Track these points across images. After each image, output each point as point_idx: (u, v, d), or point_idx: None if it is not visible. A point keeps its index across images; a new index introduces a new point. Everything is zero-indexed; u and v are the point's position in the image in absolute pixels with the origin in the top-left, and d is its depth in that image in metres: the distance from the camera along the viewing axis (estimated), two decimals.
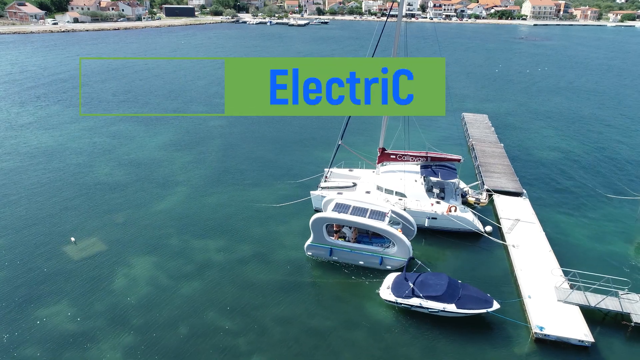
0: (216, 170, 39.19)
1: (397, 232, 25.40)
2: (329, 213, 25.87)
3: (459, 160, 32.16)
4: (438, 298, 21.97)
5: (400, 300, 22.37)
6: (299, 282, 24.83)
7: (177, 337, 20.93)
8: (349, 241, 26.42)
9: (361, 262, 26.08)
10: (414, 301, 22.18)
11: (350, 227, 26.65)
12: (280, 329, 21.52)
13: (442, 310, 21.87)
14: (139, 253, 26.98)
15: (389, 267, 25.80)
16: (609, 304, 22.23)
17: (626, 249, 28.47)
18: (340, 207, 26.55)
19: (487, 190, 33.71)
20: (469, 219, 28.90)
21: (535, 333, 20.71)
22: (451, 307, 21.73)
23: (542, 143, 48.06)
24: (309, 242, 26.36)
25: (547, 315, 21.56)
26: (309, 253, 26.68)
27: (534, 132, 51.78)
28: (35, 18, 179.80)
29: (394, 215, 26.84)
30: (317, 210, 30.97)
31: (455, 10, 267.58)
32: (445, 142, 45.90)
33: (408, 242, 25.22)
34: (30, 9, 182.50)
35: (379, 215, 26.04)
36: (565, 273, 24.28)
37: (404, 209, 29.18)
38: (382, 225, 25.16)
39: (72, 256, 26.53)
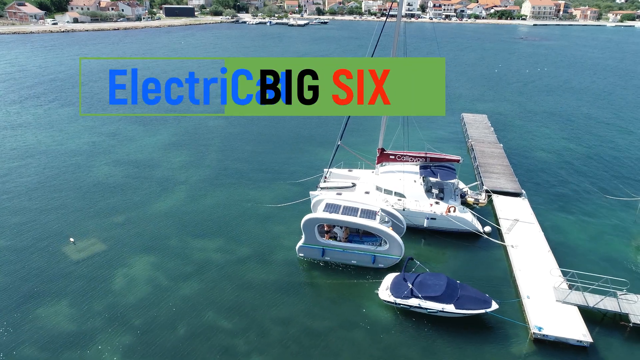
0: (215, 171, 39.21)
1: (389, 230, 25.61)
2: (321, 213, 25.85)
3: (458, 161, 32.20)
4: (437, 298, 21.99)
5: (399, 300, 22.39)
6: (297, 282, 24.86)
7: (176, 336, 20.95)
8: (340, 241, 26.40)
9: (354, 262, 26.12)
10: (413, 302, 22.20)
11: (341, 227, 26.65)
12: (279, 329, 21.54)
13: (440, 311, 21.90)
14: (138, 253, 27.00)
15: (381, 266, 25.91)
16: (608, 304, 22.26)
17: (625, 250, 28.51)
18: (331, 207, 26.52)
19: (486, 191, 33.74)
20: (468, 219, 28.92)
21: (534, 333, 20.74)
22: (450, 308, 21.76)
23: (542, 143, 48.09)
24: (300, 243, 26.24)
25: (546, 315, 21.59)
26: (300, 254, 26.54)
27: (534, 133, 51.82)
28: (35, 18, 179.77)
29: (383, 214, 26.97)
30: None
31: (455, 10, 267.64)
32: (444, 143, 45.91)
33: (400, 240, 25.40)
34: (30, 9, 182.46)
35: (369, 214, 26.16)
36: (564, 273, 24.31)
37: (403, 210, 29.22)
38: (374, 223, 25.34)
39: (71, 256, 26.54)
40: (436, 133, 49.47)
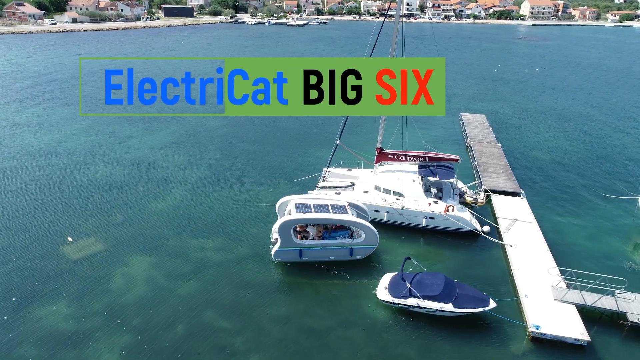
0: (214, 170, 39.22)
1: (364, 220, 26.08)
2: (297, 214, 25.49)
3: (456, 160, 32.25)
4: (435, 298, 22.02)
5: (397, 300, 22.41)
6: (296, 282, 24.89)
7: (175, 336, 20.95)
8: (313, 239, 26.30)
9: (332, 257, 26.18)
10: (411, 301, 22.23)
11: (314, 225, 26.48)
12: (278, 328, 21.55)
13: (439, 310, 21.93)
14: (136, 252, 26.99)
15: (359, 257, 26.30)
16: (606, 303, 22.30)
17: (623, 249, 28.58)
18: (302, 207, 26.26)
19: (485, 190, 33.79)
20: (467, 218, 28.96)
21: (532, 332, 20.78)
22: (448, 307, 21.79)
23: (540, 143, 48.18)
24: (276, 248, 25.65)
25: (544, 314, 21.63)
26: (277, 259, 25.95)
27: (532, 132, 51.90)
28: (34, 18, 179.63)
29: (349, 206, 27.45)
30: None
31: (454, 10, 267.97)
32: (443, 142, 45.97)
33: (375, 229, 25.81)
34: (29, 9, 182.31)
35: (340, 208, 26.49)
36: (562, 272, 24.36)
37: (402, 209, 29.28)
38: (349, 216, 25.77)
39: (69, 256, 26.53)
40: (435, 133, 49.52)
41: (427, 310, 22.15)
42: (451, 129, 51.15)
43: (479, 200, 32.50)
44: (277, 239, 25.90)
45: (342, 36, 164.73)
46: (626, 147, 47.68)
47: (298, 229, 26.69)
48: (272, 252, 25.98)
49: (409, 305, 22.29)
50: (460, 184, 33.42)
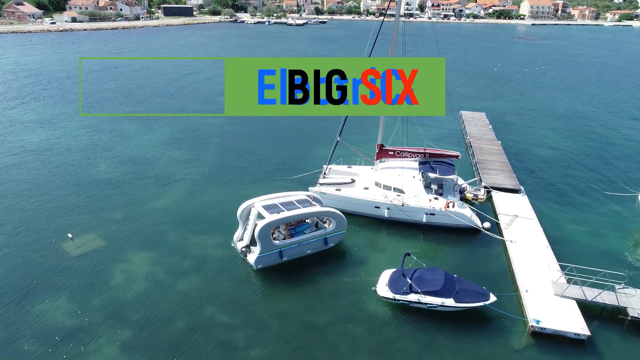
0: (214, 168, 39.20)
1: (331, 208, 26.91)
2: (274, 216, 24.75)
3: (457, 157, 32.26)
4: (436, 293, 22.03)
5: (398, 296, 22.40)
6: (296, 278, 24.85)
7: (175, 331, 20.94)
8: (284, 238, 25.86)
9: (309, 251, 26.22)
10: (412, 297, 22.22)
11: (283, 225, 26.04)
12: (278, 324, 21.55)
13: (440, 305, 21.94)
14: (136, 249, 26.97)
15: (332, 245, 26.72)
16: (606, 298, 22.32)
17: (623, 244, 28.61)
18: (271, 208, 25.74)
19: (485, 187, 33.81)
20: (467, 215, 28.98)
21: (532, 327, 20.79)
22: (449, 302, 21.80)
23: (540, 140, 48.21)
24: (256, 255, 24.54)
25: (544, 309, 21.66)
26: (259, 266, 24.82)
27: (532, 130, 51.94)
28: (33, 17, 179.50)
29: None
30: None
31: (454, 10, 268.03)
32: (443, 140, 45.89)
33: (342, 214, 26.65)
34: (28, 8, 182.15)
35: (305, 202, 26.81)
36: (562, 268, 24.38)
37: (402, 205, 29.29)
38: (318, 207, 26.27)
39: (69, 252, 26.51)
40: (435, 131, 49.49)
41: (428, 305, 22.16)
42: (451, 127, 51.15)
43: (479, 196, 32.51)
44: (246, 248, 25.41)
45: (341, 35, 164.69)
46: (626, 144, 47.72)
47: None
48: (252, 261, 24.65)
49: (410, 301, 22.29)
50: (460, 181, 33.44)
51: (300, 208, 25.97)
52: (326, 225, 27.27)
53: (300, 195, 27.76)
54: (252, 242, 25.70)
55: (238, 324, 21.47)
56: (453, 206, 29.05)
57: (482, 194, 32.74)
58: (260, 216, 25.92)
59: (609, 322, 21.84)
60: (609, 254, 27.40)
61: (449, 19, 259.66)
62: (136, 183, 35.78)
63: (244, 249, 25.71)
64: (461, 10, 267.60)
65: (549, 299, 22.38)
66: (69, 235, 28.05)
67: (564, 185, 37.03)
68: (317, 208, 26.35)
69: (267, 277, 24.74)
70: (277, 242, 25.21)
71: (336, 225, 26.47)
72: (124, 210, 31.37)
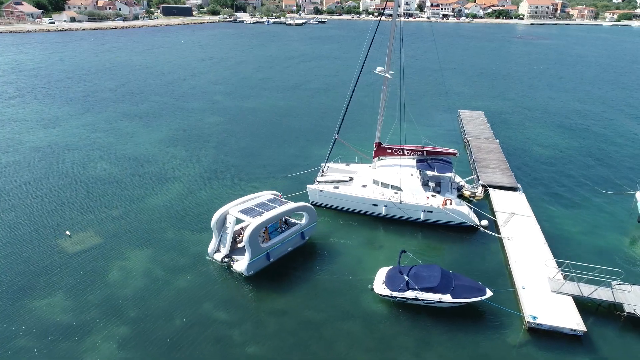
0: (212, 166, 39.23)
1: (304, 203, 27.12)
2: (257, 219, 24.30)
3: (454, 154, 32.27)
4: (433, 289, 22.07)
5: (395, 293, 22.43)
6: (293, 275, 24.90)
7: (173, 327, 20.97)
8: (263, 241, 25.38)
9: (290, 248, 26.38)
10: (410, 294, 22.27)
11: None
12: (275, 321, 21.59)
13: (437, 301, 21.99)
14: (134, 246, 27.02)
15: (307, 238, 27.25)
16: (602, 294, 22.35)
17: (619, 241, 28.67)
18: (249, 212, 25.23)
19: (483, 185, 33.86)
20: (465, 212, 29.03)
21: (528, 322, 20.84)
22: (447, 298, 21.85)
23: (538, 138, 48.28)
24: (247, 261, 23.85)
25: (541, 305, 21.71)
26: (250, 272, 24.22)
27: (529, 128, 51.99)
28: (32, 17, 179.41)
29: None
30: (314, 204, 31.19)
31: (453, 9, 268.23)
32: (441, 139, 46.03)
33: (313, 207, 27.21)
34: (27, 8, 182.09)
35: (277, 201, 27.09)
36: (559, 264, 24.46)
37: (400, 203, 29.33)
38: (294, 204, 26.44)
39: (67, 249, 26.53)
40: (433, 130, 49.60)
41: (425, 302, 22.20)
42: (449, 126, 51.27)
43: (476, 194, 32.57)
44: (228, 257, 24.97)
45: (340, 35, 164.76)
46: (624, 143, 47.79)
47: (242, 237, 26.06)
48: (244, 268, 24.01)
49: (408, 298, 22.33)
50: (458, 178, 33.49)
51: (277, 207, 25.86)
52: (293, 220, 27.72)
53: (267, 195, 27.59)
54: (233, 250, 25.63)
55: (235, 321, 21.48)
56: (450, 204, 29.10)
57: (479, 191, 32.80)
58: (239, 221, 25.72)
59: (605, 318, 21.88)
60: (606, 251, 27.45)
61: (448, 19, 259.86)
62: (134, 180, 35.79)
63: (225, 259, 25.03)
64: (460, 10, 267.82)
65: (545, 295, 22.42)
66: (67, 232, 28.07)
67: (561, 183, 37.11)
68: (292, 204, 26.28)
69: (264, 276, 24.73)
70: (264, 244, 24.82)
71: (309, 217, 27.00)
72: (122, 208, 31.39)
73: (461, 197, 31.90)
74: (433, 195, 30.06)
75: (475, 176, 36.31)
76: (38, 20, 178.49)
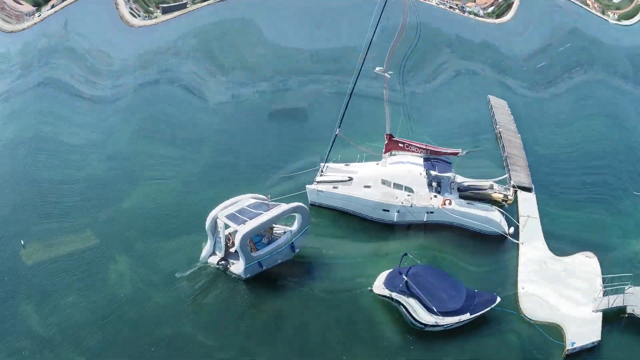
0: (207, 166, 36.84)
1: (298, 203, 25.20)
2: (251, 224, 23.45)
3: (456, 154, 30.88)
4: (455, 313, 21.34)
5: (394, 295, 21.79)
6: (292, 277, 24.52)
7: (169, 331, 20.64)
8: (250, 250, 24.43)
9: (279, 260, 24.94)
10: (430, 320, 21.17)
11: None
12: (274, 323, 21.43)
13: (457, 323, 21.36)
14: (123, 250, 26.04)
15: (297, 250, 25.40)
16: (616, 301, 22.27)
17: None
18: (235, 218, 24.14)
19: (513, 186, 31.64)
20: (497, 220, 28.18)
21: (568, 349, 21.01)
22: (466, 317, 21.38)
23: (556, 136, 43.40)
24: (243, 266, 23.57)
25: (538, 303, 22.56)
26: (248, 275, 23.97)
27: (546, 125, 45.83)
28: (29, 16, 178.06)
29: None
30: (313, 205, 30.24)
31: (457, 4, 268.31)
32: (469, 130, 41.04)
33: (306, 207, 25.14)
34: (26, 7, 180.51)
35: (265, 205, 25.16)
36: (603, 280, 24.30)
37: (411, 206, 28.21)
38: (285, 205, 24.54)
39: (24, 260, 25.08)
40: (462, 118, 43.51)
41: (445, 327, 21.36)
42: (476, 114, 44.74)
43: (508, 197, 29.93)
44: (224, 260, 24.39)
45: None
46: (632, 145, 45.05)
47: (232, 242, 24.87)
48: (241, 270, 23.65)
49: (427, 325, 21.27)
50: (458, 178, 31.36)
51: (267, 212, 24.23)
52: (281, 230, 25.60)
53: (252, 198, 25.82)
54: (227, 253, 24.78)
55: (234, 324, 21.29)
56: (450, 204, 28.19)
57: (511, 194, 30.43)
58: (227, 226, 24.53)
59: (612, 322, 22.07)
60: (622, 256, 26.99)
61: (454, 10, 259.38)
62: (123, 181, 33.38)
63: (222, 262, 24.42)
64: (463, 7, 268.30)
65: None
66: (22, 242, 26.20)
67: (572, 184, 35.27)
68: (284, 207, 24.54)
69: (263, 279, 24.14)
70: (254, 254, 23.95)
71: (302, 219, 24.93)
72: (109, 210, 29.63)
73: (491, 201, 29.85)
74: (435, 196, 29.12)
75: (507, 175, 33.17)
76: (32, 17, 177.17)
